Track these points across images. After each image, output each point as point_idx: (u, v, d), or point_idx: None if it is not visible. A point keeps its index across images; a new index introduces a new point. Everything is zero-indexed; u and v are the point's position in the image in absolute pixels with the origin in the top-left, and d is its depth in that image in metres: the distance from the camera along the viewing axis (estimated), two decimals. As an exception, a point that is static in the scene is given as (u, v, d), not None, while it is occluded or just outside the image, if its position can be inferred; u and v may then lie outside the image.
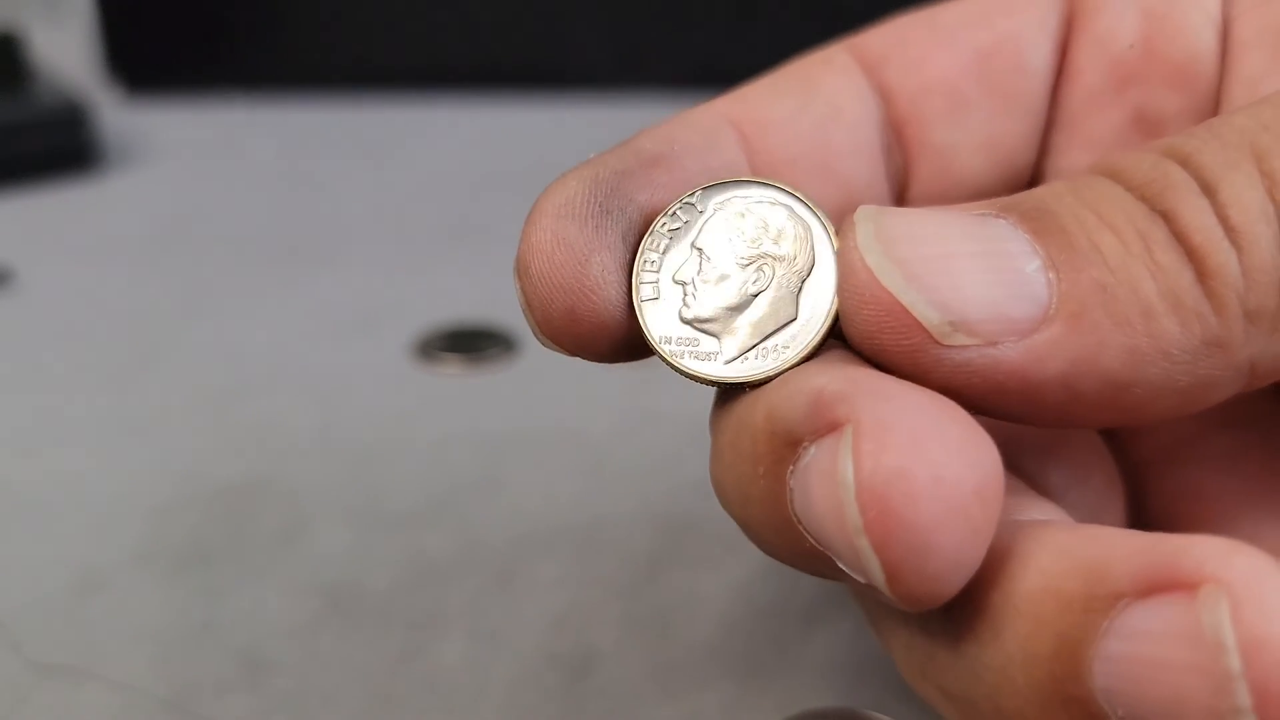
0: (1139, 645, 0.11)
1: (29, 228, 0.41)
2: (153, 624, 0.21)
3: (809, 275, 0.15)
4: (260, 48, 0.55)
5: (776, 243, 0.15)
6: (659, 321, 0.15)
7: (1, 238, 0.40)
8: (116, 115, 0.52)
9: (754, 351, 0.15)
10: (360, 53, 0.55)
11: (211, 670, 0.20)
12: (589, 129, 0.50)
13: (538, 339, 0.16)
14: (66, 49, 0.58)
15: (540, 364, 0.31)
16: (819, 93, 0.18)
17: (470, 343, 0.32)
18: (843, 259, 0.14)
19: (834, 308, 0.14)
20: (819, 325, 0.15)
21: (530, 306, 0.15)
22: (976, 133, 0.18)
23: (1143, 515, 0.18)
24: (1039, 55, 0.18)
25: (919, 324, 0.13)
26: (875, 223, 0.14)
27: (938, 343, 0.13)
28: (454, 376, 0.31)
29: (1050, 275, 0.13)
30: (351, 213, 0.42)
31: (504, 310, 0.33)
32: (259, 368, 0.31)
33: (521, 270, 0.15)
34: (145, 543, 0.24)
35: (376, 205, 0.43)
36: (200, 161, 0.48)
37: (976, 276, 0.13)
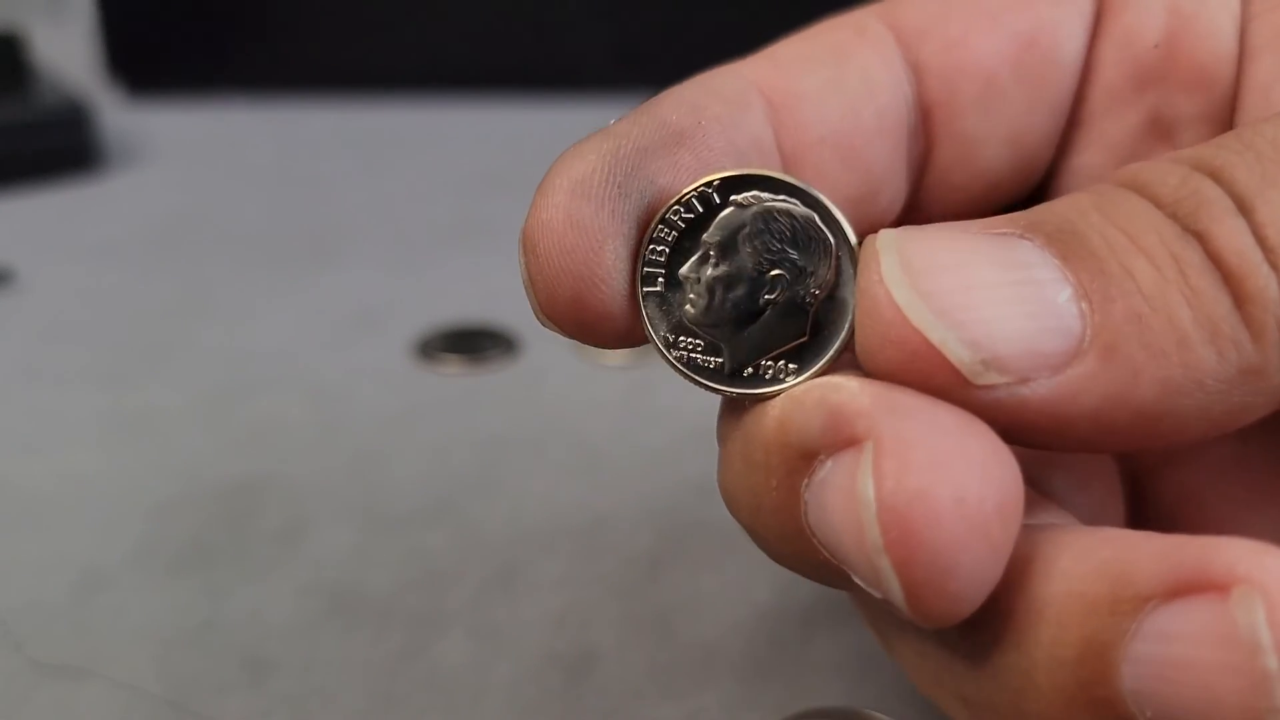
0: (1170, 647, 0.11)
1: (29, 228, 0.41)
2: (153, 624, 0.22)
3: (826, 294, 0.14)
4: (260, 48, 0.55)
5: (797, 254, 0.14)
6: (663, 319, 0.14)
7: (2, 238, 0.40)
8: (117, 115, 0.52)
9: (760, 368, 0.14)
10: (360, 53, 0.55)
11: (212, 670, 0.20)
12: (589, 129, 0.50)
13: (537, 317, 0.15)
14: (68, 49, 0.58)
15: (540, 364, 0.31)
16: (854, 67, 0.16)
17: (470, 343, 0.32)
18: (865, 293, 0.13)
19: (848, 334, 0.14)
20: (830, 351, 0.14)
21: (534, 285, 0.14)
22: (1004, 125, 0.17)
23: (1142, 520, 0.18)
24: (1073, 48, 0.17)
25: (949, 364, 0.12)
26: (899, 252, 0.13)
27: (968, 382, 0.12)
28: (454, 376, 0.31)
29: (1082, 305, 0.12)
30: (351, 213, 0.42)
31: (504, 310, 0.33)
32: (259, 368, 0.31)
33: (528, 246, 0.14)
34: (146, 543, 0.24)
35: (376, 205, 0.43)
36: (200, 161, 0.48)
37: (1007, 309, 0.12)
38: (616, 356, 0.31)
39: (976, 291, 0.13)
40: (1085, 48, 0.17)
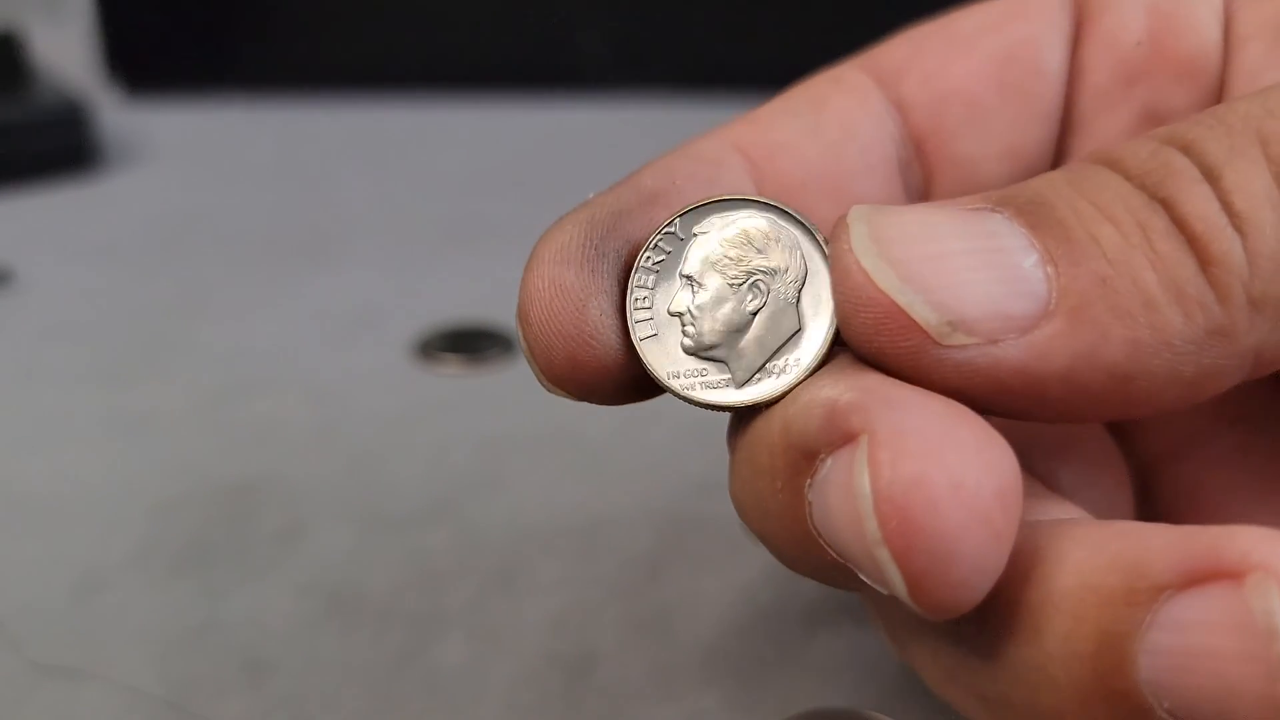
0: (1186, 636, 0.11)
1: (29, 228, 0.41)
2: (153, 624, 0.21)
3: (804, 283, 0.15)
4: (260, 48, 0.55)
5: (765, 256, 0.15)
6: (663, 357, 0.15)
7: (1, 238, 0.40)
8: (116, 115, 0.52)
9: (764, 371, 0.15)
10: (360, 53, 0.55)
11: (211, 670, 0.20)
12: (589, 129, 0.50)
13: (542, 385, 0.15)
14: (66, 49, 0.58)
15: (540, 364, 0.31)
16: (830, 112, 0.17)
17: (470, 343, 0.32)
18: (836, 262, 0.14)
19: (831, 318, 0.14)
20: (824, 333, 0.14)
21: (533, 354, 0.15)
22: (997, 141, 0.18)
23: (1151, 513, 0.18)
24: (1054, 59, 0.18)
25: (917, 325, 0.13)
26: (868, 223, 0.14)
27: (937, 343, 0.13)
28: (454, 376, 0.31)
29: (1049, 270, 0.13)
30: (351, 213, 0.42)
31: (504, 310, 0.33)
32: (259, 368, 0.31)
33: (522, 318, 0.15)
34: (145, 543, 0.24)
35: (376, 205, 0.43)
36: (200, 161, 0.48)
37: (974, 274, 0.13)
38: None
39: (943, 258, 0.13)
40: (1068, 55, 0.18)
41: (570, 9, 0.53)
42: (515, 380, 0.30)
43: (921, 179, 0.18)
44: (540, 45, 0.54)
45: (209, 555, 0.23)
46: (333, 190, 0.45)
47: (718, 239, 0.15)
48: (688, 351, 0.15)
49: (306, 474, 0.26)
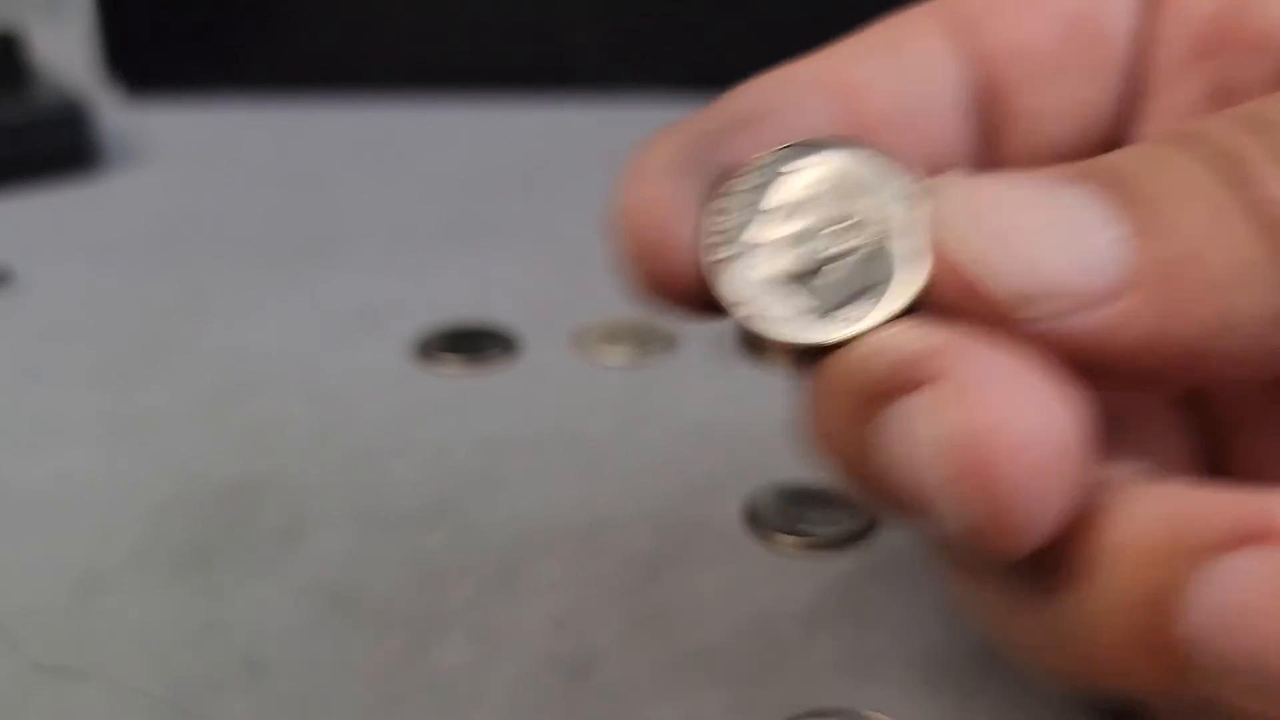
0: (1231, 595, 0.12)
1: (29, 228, 0.41)
2: (153, 624, 0.21)
3: (892, 239, 0.15)
4: (260, 48, 0.55)
5: (860, 203, 0.15)
6: (735, 283, 0.15)
7: (1, 238, 0.40)
8: (116, 115, 0.52)
9: (836, 314, 0.15)
10: (360, 53, 0.55)
11: (211, 671, 0.20)
12: (589, 129, 0.50)
13: (635, 295, 0.16)
14: (66, 49, 0.58)
15: (540, 364, 0.31)
16: (908, 55, 0.18)
17: (470, 343, 0.32)
18: (921, 233, 0.14)
19: (916, 274, 0.14)
20: (902, 291, 0.14)
21: (624, 267, 0.16)
22: (1064, 99, 0.18)
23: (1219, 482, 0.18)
24: (1123, 23, 0.18)
25: (995, 296, 0.13)
26: (951, 194, 0.14)
27: (1014, 314, 0.13)
28: (454, 376, 0.31)
29: (1124, 246, 0.13)
30: (351, 213, 0.42)
31: (504, 310, 0.33)
32: (259, 368, 0.31)
33: (613, 232, 0.15)
34: (145, 543, 0.24)
35: (376, 205, 0.43)
36: (200, 161, 0.48)
37: (1049, 249, 0.13)
38: (616, 357, 0.30)
39: (1024, 231, 0.13)
40: (1138, 22, 0.18)
41: (569, 9, 0.53)
42: (515, 380, 0.30)
43: (989, 128, 0.18)
44: (539, 45, 0.54)
45: (209, 555, 0.23)
46: (333, 190, 0.45)
47: (816, 177, 0.15)
48: (764, 279, 0.15)
49: (306, 474, 0.26)
